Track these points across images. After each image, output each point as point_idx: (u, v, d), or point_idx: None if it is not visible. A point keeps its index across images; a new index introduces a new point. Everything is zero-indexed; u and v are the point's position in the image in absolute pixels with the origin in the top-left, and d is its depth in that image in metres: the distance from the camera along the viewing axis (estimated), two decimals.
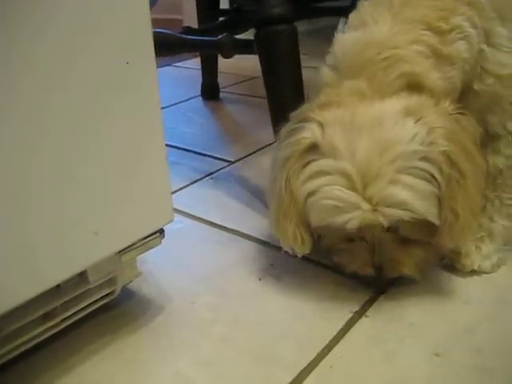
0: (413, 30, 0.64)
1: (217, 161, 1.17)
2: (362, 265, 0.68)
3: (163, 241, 0.65)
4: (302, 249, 0.68)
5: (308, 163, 0.63)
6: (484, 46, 0.67)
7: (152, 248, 0.64)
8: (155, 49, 0.56)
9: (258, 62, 0.88)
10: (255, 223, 0.90)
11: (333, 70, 0.68)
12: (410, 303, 0.69)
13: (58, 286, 0.56)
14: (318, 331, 0.65)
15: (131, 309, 0.71)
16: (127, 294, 0.72)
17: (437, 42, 0.64)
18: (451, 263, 0.74)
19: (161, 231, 0.64)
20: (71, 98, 0.50)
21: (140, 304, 0.71)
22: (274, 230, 0.69)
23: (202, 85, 1.61)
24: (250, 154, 1.19)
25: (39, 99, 0.48)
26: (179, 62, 2.02)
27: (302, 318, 0.68)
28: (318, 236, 0.69)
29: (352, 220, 0.60)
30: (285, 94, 0.86)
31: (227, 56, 1.01)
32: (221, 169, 1.12)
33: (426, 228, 0.63)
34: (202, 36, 1.14)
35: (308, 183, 0.62)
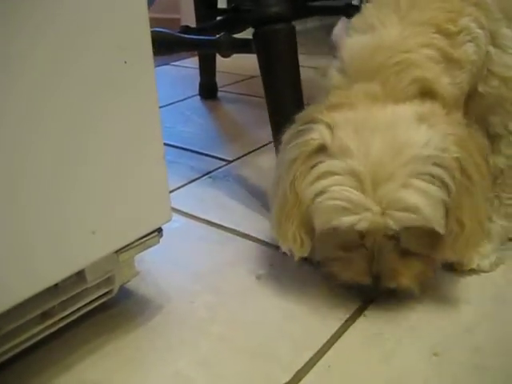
0: (423, 33, 0.64)
1: (215, 160, 1.17)
2: (359, 273, 0.65)
3: (161, 240, 0.65)
4: (301, 251, 0.67)
5: (315, 165, 0.62)
6: (490, 48, 0.67)
7: (150, 247, 0.64)
8: (153, 48, 0.56)
9: (256, 62, 0.88)
10: (253, 222, 0.90)
11: (341, 73, 0.68)
12: (408, 302, 0.69)
13: (55, 285, 0.56)
14: (316, 330, 0.65)
15: (129, 308, 0.70)
16: (125, 294, 0.72)
17: (446, 45, 0.64)
18: (450, 262, 0.74)
19: (159, 230, 0.64)
20: (69, 97, 0.50)
21: (138, 303, 0.71)
22: (274, 231, 0.69)
23: (200, 84, 1.61)
24: (248, 153, 1.19)
25: (37, 98, 0.47)
26: (177, 61, 2.02)
27: (300, 317, 0.68)
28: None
29: (361, 222, 0.59)
30: (283, 94, 0.86)
31: (225, 55, 1.01)
32: (219, 168, 1.12)
33: (428, 240, 0.63)
34: (199, 35, 1.14)
35: (316, 184, 0.61)
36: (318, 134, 0.62)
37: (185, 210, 0.94)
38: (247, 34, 1.00)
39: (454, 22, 0.64)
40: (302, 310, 0.69)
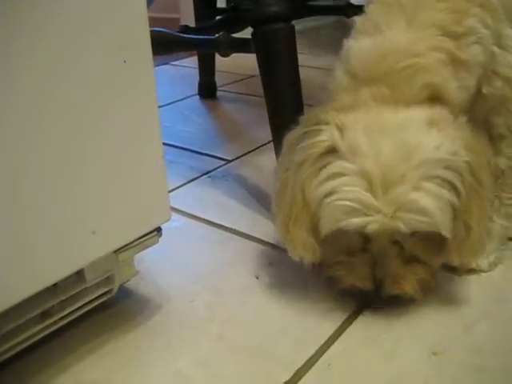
0: (430, 36, 0.63)
1: (214, 159, 1.17)
2: (362, 277, 0.64)
3: (160, 239, 0.65)
4: (313, 258, 0.65)
5: (325, 166, 0.61)
6: (495, 48, 0.66)
7: (149, 247, 0.64)
8: (152, 47, 0.56)
9: (256, 61, 0.88)
10: (252, 222, 0.90)
11: (348, 75, 0.67)
12: (408, 302, 0.68)
13: (55, 284, 0.56)
14: (316, 329, 0.65)
15: (129, 308, 0.70)
16: (124, 293, 0.72)
17: (454, 48, 0.64)
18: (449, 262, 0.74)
19: (158, 230, 0.64)
20: (69, 96, 0.50)
21: (137, 303, 0.71)
22: (281, 238, 0.67)
23: (199, 83, 1.61)
24: (248, 153, 1.19)
25: (37, 98, 0.47)
26: (176, 60, 2.02)
27: (300, 315, 0.68)
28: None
29: (370, 224, 0.58)
30: (282, 93, 0.86)
31: (224, 55, 1.01)
32: (218, 167, 1.12)
33: (432, 247, 0.63)
34: (199, 35, 1.14)
35: (325, 184, 0.60)
36: (328, 136, 0.61)
37: (184, 210, 0.94)
38: (246, 33, 1.00)
39: (459, 22, 0.64)
40: (301, 309, 0.69)
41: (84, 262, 0.56)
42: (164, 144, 0.60)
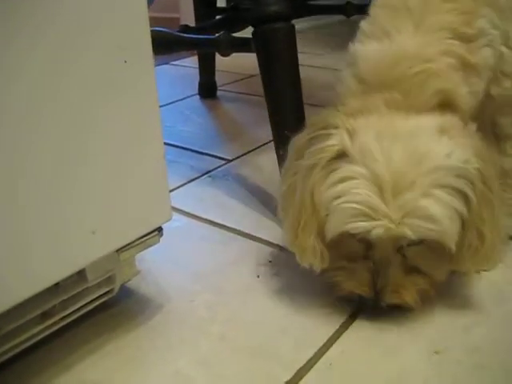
0: (441, 40, 0.63)
1: (214, 159, 1.17)
2: (362, 283, 0.64)
3: (161, 239, 0.65)
4: (321, 264, 0.64)
5: (334, 171, 0.60)
6: (503, 48, 0.66)
7: (150, 246, 0.64)
8: (152, 47, 0.56)
9: (256, 60, 0.88)
10: (253, 221, 0.90)
11: (356, 80, 0.67)
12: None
13: (56, 284, 0.56)
14: (317, 328, 0.65)
15: (130, 307, 0.70)
16: (126, 293, 0.72)
17: (465, 52, 0.63)
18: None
19: (159, 229, 0.64)
20: (69, 96, 0.50)
21: (139, 302, 0.71)
22: (289, 242, 0.66)
23: (200, 83, 1.61)
24: (248, 153, 1.19)
25: (37, 98, 0.47)
26: (176, 60, 2.02)
27: (301, 315, 0.68)
28: None
29: (376, 228, 0.57)
30: (283, 93, 0.86)
31: (224, 54, 1.01)
32: (218, 167, 1.12)
33: (434, 260, 0.62)
34: (199, 34, 1.14)
35: (334, 188, 0.59)
36: (338, 140, 0.61)
37: (184, 210, 0.94)
38: (247, 32, 1.00)
39: (469, 24, 0.63)
40: (302, 308, 0.69)
41: (85, 261, 0.56)
42: (164, 144, 0.60)
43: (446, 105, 0.63)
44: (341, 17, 1.68)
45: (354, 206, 0.58)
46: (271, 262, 0.79)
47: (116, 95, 0.54)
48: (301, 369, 0.60)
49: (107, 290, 0.64)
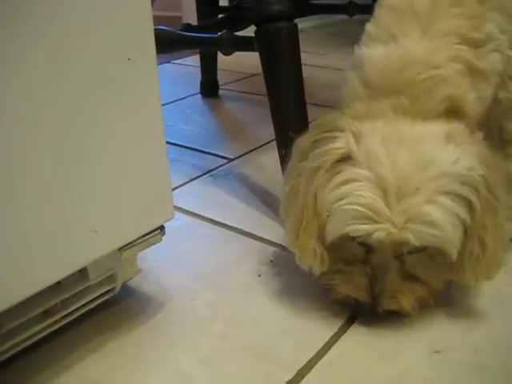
0: (449, 45, 0.63)
1: (216, 158, 1.17)
2: (359, 287, 0.63)
3: (163, 238, 0.65)
4: (321, 267, 0.64)
5: (338, 173, 0.60)
6: (510, 52, 0.66)
7: (152, 245, 0.64)
8: (155, 46, 0.56)
9: (258, 59, 0.88)
10: (254, 220, 0.90)
11: (362, 84, 0.66)
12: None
13: (58, 282, 0.56)
14: (318, 328, 0.65)
15: (131, 306, 0.70)
16: (127, 291, 0.72)
17: (473, 57, 0.63)
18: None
19: (161, 228, 0.64)
20: (71, 95, 0.50)
21: (140, 301, 0.71)
22: (290, 243, 0.66)
23: (201, 82, 1.61)
24: (250, 152, 1.19)
25: (37, 98, 0.47)
26: (178, 59, 2.02)
27: (302, 315, 0.68)
28: None
29: (378, 232, 0.57)
30: (285, 92, 0.86)
31: (227, 53, 1.01)
32: (220, 166, 1.12)
33: (433, 268, 0.62)
34: (201, 33, 1.14)
35: (337, 190, 0.59)
36: (343, 143, 0.60)
37: (186, 208, 0.94)
38: (249, 31, 1.00)
39: (477, 29, 0.63)
40: (303, 308, 0.69)
41: (87, 260, 0.56)
42: (166, 142, 0.60)
43: (453, 111, 0.62)
44: (343, 16, 1.69)
45: (357, 208, 0.57)
46: (272, 262, 0.79)
47: (118, 94, 0.54)
48: (302, 368, 0.60)
49: (109, 288, 0.64)
